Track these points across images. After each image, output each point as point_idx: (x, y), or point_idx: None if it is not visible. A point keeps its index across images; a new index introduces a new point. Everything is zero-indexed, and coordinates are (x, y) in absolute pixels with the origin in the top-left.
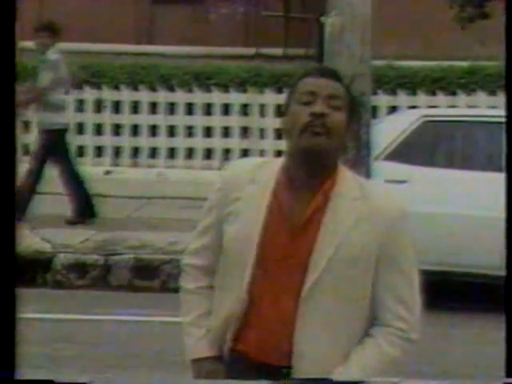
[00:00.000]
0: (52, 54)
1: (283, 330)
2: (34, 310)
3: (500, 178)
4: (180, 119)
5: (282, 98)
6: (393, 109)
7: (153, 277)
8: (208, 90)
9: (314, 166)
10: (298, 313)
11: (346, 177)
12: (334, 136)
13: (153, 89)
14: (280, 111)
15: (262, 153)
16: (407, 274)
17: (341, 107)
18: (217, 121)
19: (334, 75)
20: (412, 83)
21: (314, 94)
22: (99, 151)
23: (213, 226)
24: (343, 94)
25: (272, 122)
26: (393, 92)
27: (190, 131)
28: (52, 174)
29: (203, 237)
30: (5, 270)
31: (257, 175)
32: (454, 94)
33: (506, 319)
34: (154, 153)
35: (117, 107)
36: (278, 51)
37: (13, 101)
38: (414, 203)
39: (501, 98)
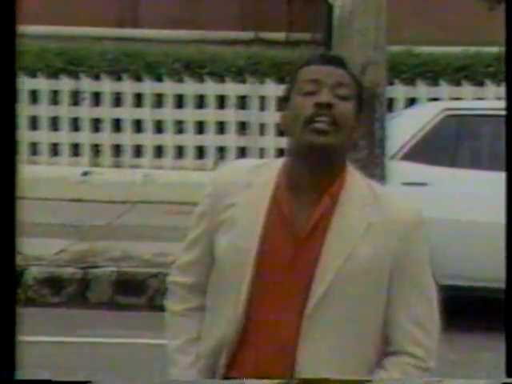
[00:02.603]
0: None
1: (285, 353)
2: None
3: None
4: (169, 113)
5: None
6: (411, 101)
7: (138, 293)
8: (200, 79)
9: (319, 165)
10: (301, 333)
11: (356, 179)
12: (342, 130)
13: (138, 78)
14: (279, 105)
15: (262, 152)
16: (424, 291)
17: (349, 97)
18: (210, 115)
19: (339, 62)
20: (433, 72)
21: (317, 82)
22: (76, 149)
23: (203, 237)
24: (351, 82)
25: (273, 117)
26: (411, 82)
27: (179, 127)
28: (22, 177)
29: (192, 250)
30: (5, 269)
31: (254, 178)
32: (481, 84)
33: (505, 319)
34: (138, 151)
35: (96, 99)
36: (280, 36)
37: (13, 100)
38: (434, 209)
39: None
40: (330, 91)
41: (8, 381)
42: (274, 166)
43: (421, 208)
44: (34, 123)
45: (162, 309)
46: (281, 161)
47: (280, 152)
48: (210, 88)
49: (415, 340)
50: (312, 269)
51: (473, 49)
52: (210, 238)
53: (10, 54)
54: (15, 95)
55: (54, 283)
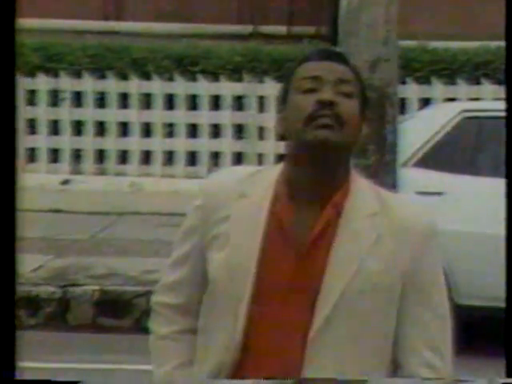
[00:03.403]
0: None
1: (287, 380)
2: None
3: None
4: (157, 115)
5: None
6: (426, 102)
7: (123, 314)
8: (193, 78)
9: (321, 170)
10: (304, 358)
11: (362, 186)
12: (346, 128)
13: (123, 76)
14: (277, 107)
15: (260, 158)
16: (438, 310)
17: (352, 94)
18: (204, 117)
19: (339, 57)
20: (450, 69)
21: (318, 79)
22: (55, 155)
23: (192, 254)
24: (353, 78)
25: (273, 119)
26: (426, 81)
27: (170, 130)
28: None
29: (179, 268)
30: (5, 268)
31: (249, 187)
32: (502, 82)
33: (505, 319)
34: (124, 157)
35: (78, 99)
36: (281, 30)
37: (13, 102)
38: (450, 221)
39: None
40: (332, 88)
41: (8, 381)
42: (271, 174)
43: (435, 219)
44: None
45: (149, 331)
46: (278, 168)
47: (281, 158)
48: (204, 87)
49: (428, 362)
50: (316, 287)
51: (493, 44)
52: (201, 255)
53: (9, 53)
54: (14, 101)
55: (31, 303)
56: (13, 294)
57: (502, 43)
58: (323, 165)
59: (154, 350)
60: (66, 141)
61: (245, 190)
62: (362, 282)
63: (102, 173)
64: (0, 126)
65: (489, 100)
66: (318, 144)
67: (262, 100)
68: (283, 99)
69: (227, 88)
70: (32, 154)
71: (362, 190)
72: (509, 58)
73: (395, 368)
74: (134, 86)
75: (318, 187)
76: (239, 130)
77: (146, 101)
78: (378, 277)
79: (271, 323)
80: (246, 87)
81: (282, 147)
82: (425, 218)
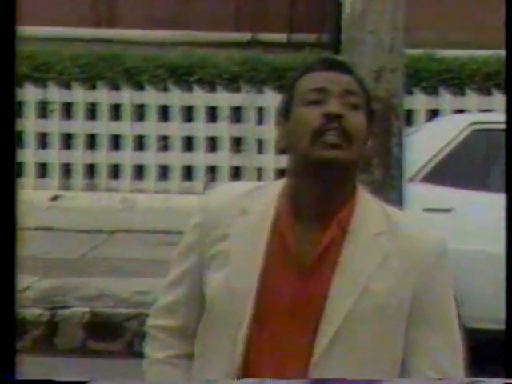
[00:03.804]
0: None
1: (291, 380)
2: None
3: None
4: (151, 127)
5: None
6: (433, 113)
7: (114, 337)
8: (188, 88)
9: (326, 187)
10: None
11: (368, 203)
12: (354, 143)
13: (115, 87)
14: (277, 119)
15: (260, 172)
16: (449, 335)
17: (359, 105)
18: (200, 129)
19: (344, 67)
20: (459, 79)
21: (323, 90)
22: (44, 170)
23: (189, 274)
24: (359, 89)
25: (273, 131)
26: (433, 91)
27: (164, 143)
28: None
29: (176, 289)
30: (5, 266)
31: (249, 203)
32: None
33: (506, 319)
34: (116, 172)
35: (68, 111)
36: (281, 37)
37: (12, 107)
38: (460, 239)
39: None
40: (338, 100)
41: (8, 381)
42: (273, 190)
43: (444, 237)
44: None
45: (142, 355)
46: (280, 183)
47: (281, 173)
48: (200, 98)
49: None
50: (319, 308)
51: (504, 52)
52: (199, 275)
53: (9, 59)
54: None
55: (17, 326)
56: (13, 294)
57: None
58: (329, 182)
59: (148, 376)
60: (54, 155)
61: (245, 207)
62: (368, 304)
63: (93, 188)
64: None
65: (500, 111)
66: (326, 163)
67: (261, 111)
68: (285, 111)
69: (224, 99)
70: (19, 169)
71: (368, 207)
72: (509, 60)
73: None
74: (127, 96)
75: (323, 204)
76: (237, 143)
77: (139, 112)
78: (384, 299)
79: (272, 347)
80: (245, 98)
81: (282, 161)
82: (433, 237)
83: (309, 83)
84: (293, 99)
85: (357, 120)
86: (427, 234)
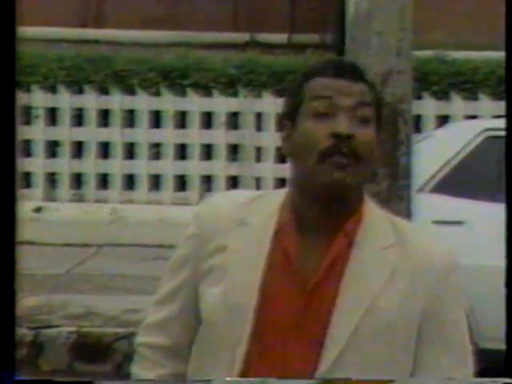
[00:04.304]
0: None
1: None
2: None
3: None
4: (143, 134)
5: None
6: (444, 119)
7: (102, 358)
8: (182, 92)
9: (333, 203)
10: None
11: (376, 214)
12: (362, 161)
13: (104, 91)
14: (279, 124)
15: (258, 182)
16: (459, 353)
17: (369, 119)
18: (195, 136)
19: (356, 73)
20: (471, 83)
21: (333, 103)
22: (27, 179)
23: (183, 289)
24: (371, 98)
25: (273, 138)
26: (444, 96)
27: (156, 151)
28: None
29: (168, 304)
30: (5, 264)
31: (248, 214)
32: None
33: (506, 319)
34: (105, 182)
35: (53, 117)
36: (281, 38)
37: (13, 108)
38: (473, 254)
39: None
40: (348, 115)
41: (8, 381)
42: (274, 200)
43: (455, 252)
44: None
45: (132, 377)
46: (282, 192)
47: (281, 182)
48: (194, 103)
49: None
50: (323, 325)
51: None
52: (193, 290)
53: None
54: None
55: (3, 342)
56: (13, 294)
57: None
58: (336, 200)
59: None
60: (38, 163)
61: (244, 218)
62: (375, 320)
63: (80, 199)
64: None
65: None
66: (332, 185)
67: (259, 117)
68: (290, 117)
69: (221, 104)
70: None
71: (375, 219)
72: (509, 61)
73: None
74: (116, 101)
75: (328, 215)
76: (234, 151)
77: (130, 118)
78: (392, 315)
79: (273, 366)
80: (242, 103)
81: (282, 170)
82: (443, 251)
83: (316, 91)
84: (298, 106)
85: (368, 137)
86: (437, 247)
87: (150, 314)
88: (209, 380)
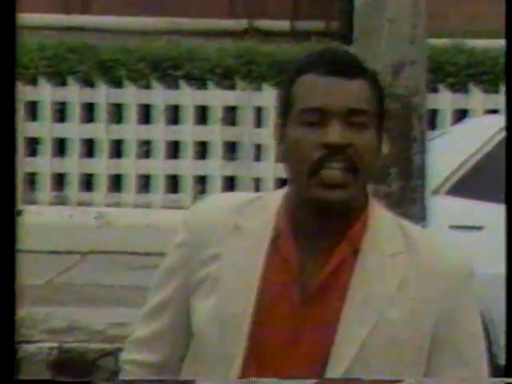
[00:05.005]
0: None
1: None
2: None
3: None
4: (131, 130)
5: None
6: (462, 114)
7: (86, 376)
8: (175, 85)
9: (332, 214)
10: None
11: (383, 219)
12: (361, 173)
13: (88, 83)
14: (274, 129)
15: (257, 183)
16: (474, 368)
17: (368, 123)
18: (188, 133)
19: (352, 68)
20: (491, 74)
21: (323, 110)
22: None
23: (173, 301)
24: (370, 96)
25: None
26: (462, 88)
27: (146, 149)
28: None
29: (156, 318)
30: (5, 265)
31: (244, 218)
32: None
33: (506, 319)
34: (89, 183)
35: (33, 111)
36: (283, 25)
37: (13, 109)
38: (492, 261)
39: None
40: (341, 121)
41: (8, 381)
42: (271, 202)
43: (472, 259)
44: None
45: None
46: (280, 194)
47: (282, 183)
48: (188, 96)
49: None
50: (327, 340)
51: None
52: (184, 302)
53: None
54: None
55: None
56: (13, 294)
57: None
58: (333, 212)
59: None
60: (17, 163)
61: (239, 222)
62: (384, 335)
63: (62, 202)
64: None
65: None
66: (326, 203)
67: (259, 112)
68: (282, 117)
69: (217, 97)
70: None
71: (383, 223)
72: (509, 61)
73: None
74: (102, 94)
75: (330, 221)
76: (231, 149)
77: (117, 113)
78: (402, 328)
79: None
80: (240, 96)
81: (282, 170)
82: (458, 259)
83: (305, 94)
84: (288, 109)
85: (365, 144)
86: (451, 254)
87: (138, 328)
88: (211, 380)
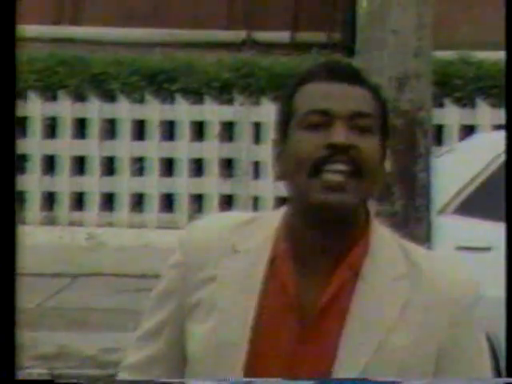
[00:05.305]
0: None
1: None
2: None
3: None
4: (124, 146)
5: None
6: (470, 130)
7: None
8: (170, 99)
9: (333, 226)
10: None
11: (385, 240)
12: (365, 178)
13: (80, 97)
14: (273, 140)
15: (256, 202)
16: None
17: (371, 127)
18: (184, 149)
19: (354, 75)
20: (500, 88)
21: (327, 111)
22: None
23: (168, 325)
24: (373, 104)
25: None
26: (470, 103)
27: (139, 166)
28: None
29: (151, 342)
30: (5, 266)
31: (241, 240)
32: None
33: (506, 319)
34: (80, 202)
35: (22, 127)
36: (283, 37)
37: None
38: (501, 284)
39: None
40: (345, 123)
41: (8, 381)
42: (270, 222)
43: (479, 283)
44: None
45: None
46: (278, 214)
47: (281, 202)
48: (184, 111)
49: None
50: (326, 367)
51: None
52: (178, 327)
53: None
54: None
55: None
56: (13, 294)
57: None
58: (336, 223)
59: None
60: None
61: (236, 244)
62: (386, 362)
63: (52, 222)
64: None
65: None
66: (328, 205)
67: (257, 127)
68: (281, 131)
69: (213, 112)
70: None
71: (384, 245)
72: (509, 61)
73: None
74: (94, 109)
75: (329, 242)
76: (229, 167)
77: (110, 128)
78: (404, 355)
79: None
80: (238, 111)
81: (283, 189)
82: (464, 282)
83: (309, 99)
84: (289, 117)
85: (369, 147)
86: (457, 277)
87: (131, 354)
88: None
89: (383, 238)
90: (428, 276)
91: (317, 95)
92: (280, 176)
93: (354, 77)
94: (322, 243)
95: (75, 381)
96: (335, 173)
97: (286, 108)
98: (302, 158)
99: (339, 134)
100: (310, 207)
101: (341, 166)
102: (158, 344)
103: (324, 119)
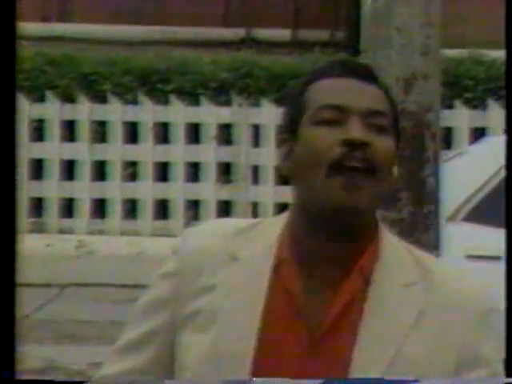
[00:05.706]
0: None
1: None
2: None
3: None
4: (116, 150)
5: None
6: (481, 132)
7: None
8: (164, 100)
9: (342, 231)
10: None
11: (394, 247)
12: (380, 178)
13: (70, 98)
14: (277, 140)
15: (255, 208)
16: None
17: (386, 127)
18: (179, 153)
19: (368, 73)
20: None
21: (343, 107)
22: None
23: (156, 337)
24: (387, 104)
25: (272, 155)
26: (480, 104)
27: (132, 170)
28: None
29: (133, 354)
30: (5, 267)
31: (242, 247)
32: None
33: (506, 319)
34: (70, 208)
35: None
36: (283, 35)
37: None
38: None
39: None
40: (361, 120)
41: (8, 381)
42: (272, 228)
43: (493, 291)
44: None
45: None
46: (281, 219)
47: (282, 208)
48: (179, 112)
49: None
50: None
51: None
52: (169, 339)
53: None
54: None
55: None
56: (13, 294)
57: None
58: (347, 225)
59: None
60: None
61: (236, 252)
62: (401, 373)
63: (40, 230)
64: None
65: None
66: (344, 206)
67: (256, 130)
68: (290, 128)
69: (210, 114)
70: None
71: (394, 251)
72: (509, 61)
73: None
74: (84, 110)
75: (338, 248)
76: (226, 171)
77: (101, 131)
78: (421, 365)
79: None
80: (236, 112)
81: (284, 194)
82: (477, 290)
83: (322, 95)
84: (300, 114)
85: (385, 147)
86: (470, 286)
87: (107, 365)
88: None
89: (392, 243)
90: (441, 282)
91: (331, 91)
92: (289, 174)
93: (368, 75)
94: (332, 247)
95: (75, 380)
96: (353, 171)
97: (295, 105)
98: (317, 157)
99: (356, 130)
100: (327, 208)
101: (357, 164)
102: (143, 356)
103: (339, 115)
